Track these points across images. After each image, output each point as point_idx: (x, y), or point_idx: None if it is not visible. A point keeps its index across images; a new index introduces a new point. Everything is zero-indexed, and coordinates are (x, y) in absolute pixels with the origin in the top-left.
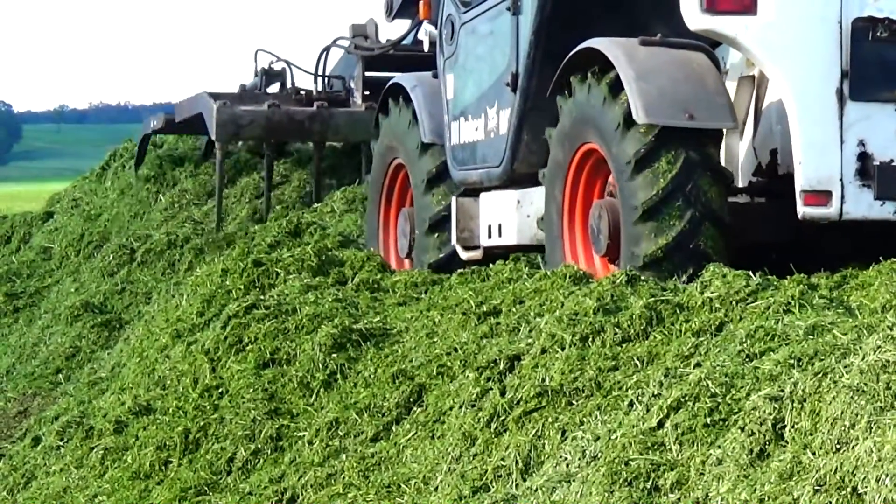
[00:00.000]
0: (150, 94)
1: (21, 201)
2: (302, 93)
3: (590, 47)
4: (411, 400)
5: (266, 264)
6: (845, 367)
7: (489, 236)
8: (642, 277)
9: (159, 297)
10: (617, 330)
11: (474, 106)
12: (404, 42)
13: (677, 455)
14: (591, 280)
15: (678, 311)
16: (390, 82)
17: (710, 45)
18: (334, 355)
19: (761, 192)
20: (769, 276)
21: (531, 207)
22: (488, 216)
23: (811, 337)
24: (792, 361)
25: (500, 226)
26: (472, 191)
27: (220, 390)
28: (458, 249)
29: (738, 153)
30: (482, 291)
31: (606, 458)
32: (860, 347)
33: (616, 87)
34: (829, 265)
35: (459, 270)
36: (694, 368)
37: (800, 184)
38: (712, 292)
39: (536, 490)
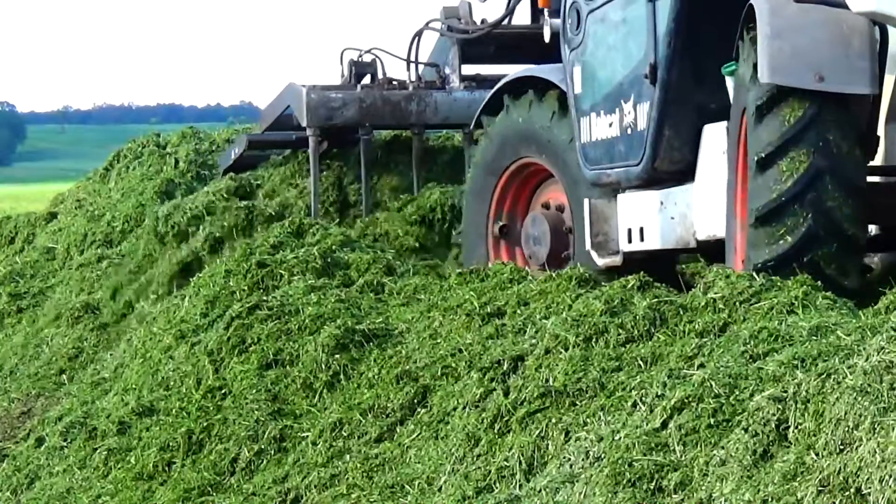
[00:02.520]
0: (154, 95)
1: (25, 201)
2: (395, 82)
3: (750, 3)
4: (415, 401)
5: (270, 265)
6: (849, 367)
7: (629, 241)
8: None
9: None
10: (620, 331)
11: (608, 100)
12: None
13: (681, 456)
14: (597, 282)
15: (682, 312)
16: (510, 76)
17: None
18: (337, 356)
19: None
20: (772, 277)
21: (675, 209)
22: (627, 219)
23: (815, 338)
24: (795, 362)
25: (641, 229)
26: (607, 191)
27: (223, 391)
28: (593, 255)
29: (877, 128)
30: (484, 292)
31: (610, 458)
32: (864, 348)
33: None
34: None
35: (458, 271)
36: (697, 369)
37: None
38: (716, 293)
39: (540, 491)
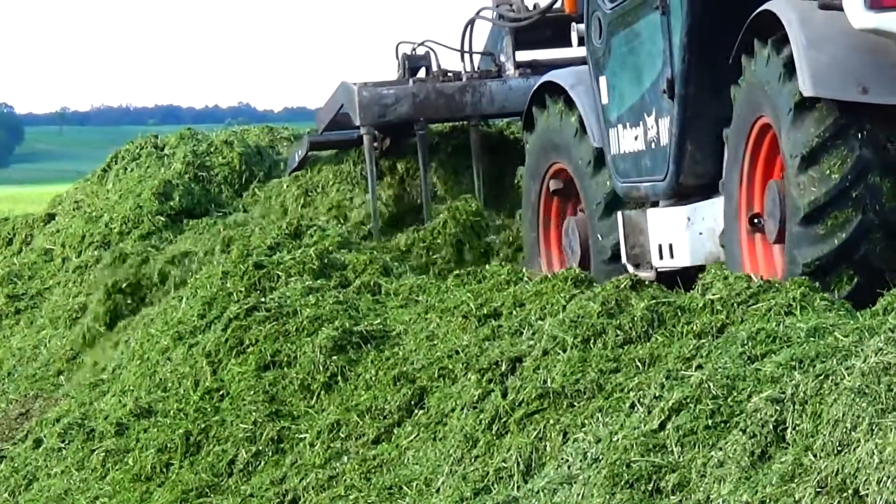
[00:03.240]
0: (152, 97)
1: (23, 203)
2: (450, 74)
3: (767, 10)
4: (412, 402)
5: (267, 267)
6: (847, 369)
7: (660, 257)
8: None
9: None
10: (618, 332)
11: (632, 113)
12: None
13: (679, 457)
14: (593, 283)
15: (679, 313)
16: (540, 81)
17: None
18: (335, 357)
19: None
20: (770, 279)
21: (703, 224)
22: (657, 234)
23: (812, 339)
24: (793, 363)
25: (670, 245)
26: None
27: (220, 392)
28: (630, 268)
29: None
30: (481, 294)
31: (608, 460)
32: (861, 349)
33: (787, 54)
34: None
35: (455, 272)
36: (695, 370)
37: None
38: (714, 294)
39: (538, 492)
